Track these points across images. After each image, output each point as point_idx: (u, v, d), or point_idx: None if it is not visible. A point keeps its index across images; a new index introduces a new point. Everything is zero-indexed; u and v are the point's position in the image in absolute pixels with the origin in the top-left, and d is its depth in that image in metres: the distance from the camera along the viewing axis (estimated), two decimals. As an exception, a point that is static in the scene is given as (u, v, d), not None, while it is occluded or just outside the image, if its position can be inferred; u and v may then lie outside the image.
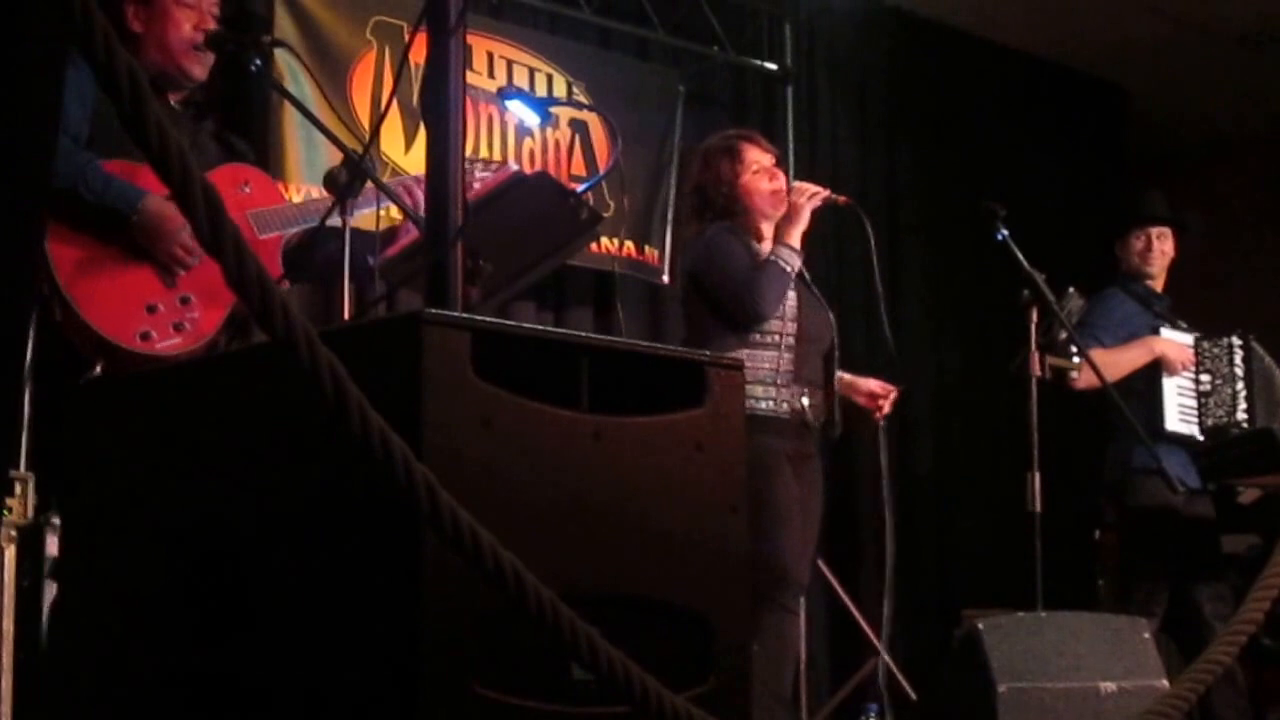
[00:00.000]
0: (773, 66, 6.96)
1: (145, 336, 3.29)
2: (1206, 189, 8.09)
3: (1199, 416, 5.27)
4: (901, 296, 7.28)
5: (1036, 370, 4.70)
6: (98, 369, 3.29)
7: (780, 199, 4.32)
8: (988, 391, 6.53)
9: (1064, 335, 4.81)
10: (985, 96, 7.68)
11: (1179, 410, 5.25)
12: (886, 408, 4.44)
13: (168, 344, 3.31)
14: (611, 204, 6.02)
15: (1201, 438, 5.25)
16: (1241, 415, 5.26)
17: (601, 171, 5.96)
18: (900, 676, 5.53)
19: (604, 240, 5.99)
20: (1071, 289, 4.82)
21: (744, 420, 2.20)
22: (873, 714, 4.82)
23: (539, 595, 1.54)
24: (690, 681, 1.98)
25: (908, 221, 7.36)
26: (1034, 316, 4.71)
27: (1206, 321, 5.53)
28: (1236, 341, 5.32)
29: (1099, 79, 8.25)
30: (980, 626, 3.54)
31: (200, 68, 3.52)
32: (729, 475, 2.12)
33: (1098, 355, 4.95)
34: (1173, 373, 5.28)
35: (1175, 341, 5.32)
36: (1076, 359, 4.91)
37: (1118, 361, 5.09)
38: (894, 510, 4.59)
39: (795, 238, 4.27)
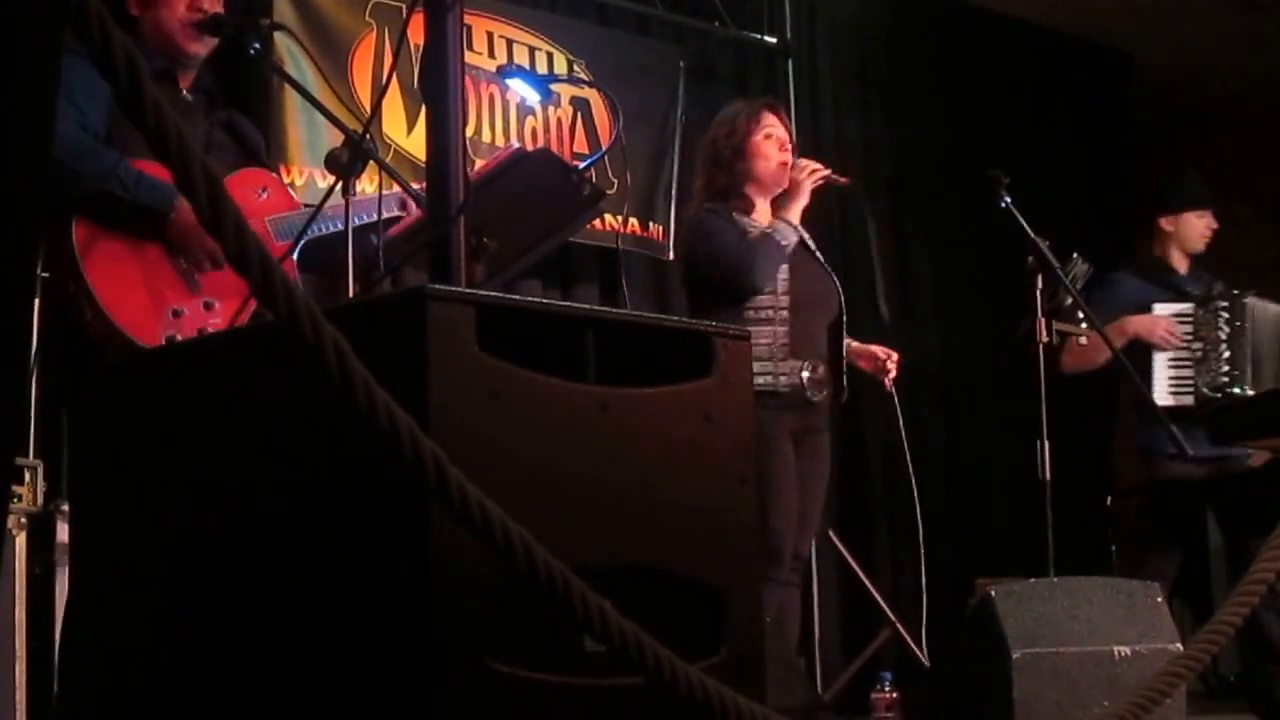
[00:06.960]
0: (773, 40, 6.94)
1: (171, 341, 3.28)
2: (1211, 153, 8.05)
3: (1194, 386, 5.26)
4: (907, 267, 7.26)
5: (1043, 336, 4.69)
6: None
7: (783, 173, 4.35)
8: (996, 360, 6.51)
9: (1069, 301, 4.80)
10: (987, 66, 7.64)
11: (1169, 384, 5.23)
12: (893, 371, 4.46)
13: None
14: (615, 181, 6.01)
15: (1195, 406, 5.23)
16: (1225, 378, 5.24)
17: (603, 148, 5.95)
18: (914, 645, 5.53)
19: (608, 217, 5.99)
20: (1076, 254, 4.80)
21: (752, 391, 2.19)
22: (886, 683, 4.82)
23: (549, 568, 1.54)
24: (703, 653, 1.97)
25: (911, 192, 7.34)
26: (1039, 282, 4.70)
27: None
28: (1222, 304, 5.31)
29: (1102, 45, 8.21)
30: (994, 593, 3.53)
31: (198, 44, 3.51)
32: (738, 446, 2.11)
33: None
34: (1160, 347, 5.27)
35: (1153, 316, 5.30)
36: (1084, 324, 4.90)
37: (1096, 345, 5.08)
38: (915, 477, 4.65)
39: (794, 213, 4.31)
